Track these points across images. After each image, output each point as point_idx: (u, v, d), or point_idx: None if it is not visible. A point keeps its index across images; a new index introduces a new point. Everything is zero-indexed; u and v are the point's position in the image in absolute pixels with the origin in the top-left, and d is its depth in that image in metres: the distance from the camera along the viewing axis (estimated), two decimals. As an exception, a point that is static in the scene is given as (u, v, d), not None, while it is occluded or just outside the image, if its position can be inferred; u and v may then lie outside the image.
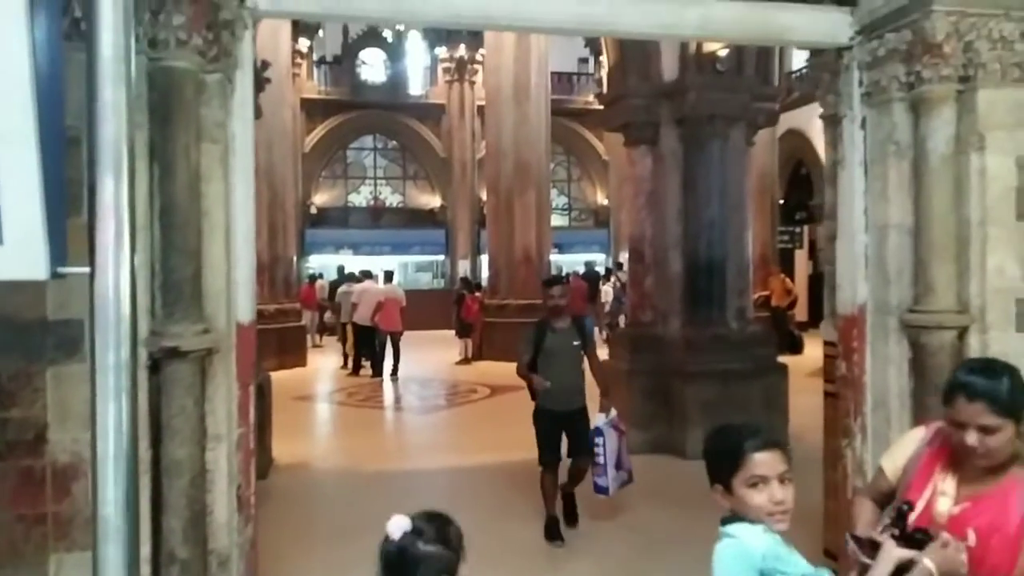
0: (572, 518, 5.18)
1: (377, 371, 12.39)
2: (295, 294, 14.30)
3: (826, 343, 3.83)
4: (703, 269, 7.08)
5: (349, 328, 12.89)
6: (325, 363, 13.98)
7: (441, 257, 23.52)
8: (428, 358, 14.91)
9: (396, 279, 23.36)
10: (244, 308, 2.99)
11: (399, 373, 12.19)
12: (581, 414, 5.04)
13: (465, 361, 13.63)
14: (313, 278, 17.43)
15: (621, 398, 6.97)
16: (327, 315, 16.88)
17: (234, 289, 2.93)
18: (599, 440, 4.82)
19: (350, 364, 12.91)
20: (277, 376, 12.51)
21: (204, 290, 2.77)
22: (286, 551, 4.70)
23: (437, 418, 9.10)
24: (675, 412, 6.86)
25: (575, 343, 5.01)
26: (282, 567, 4.42)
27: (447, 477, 6.47)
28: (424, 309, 20.09)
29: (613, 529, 5.23)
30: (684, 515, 5.41)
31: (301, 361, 13.62)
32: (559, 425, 4.98)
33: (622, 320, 16.94)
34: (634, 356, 7.06)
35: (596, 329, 17.68)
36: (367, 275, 13.17)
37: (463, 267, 22.05)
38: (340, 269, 15.67)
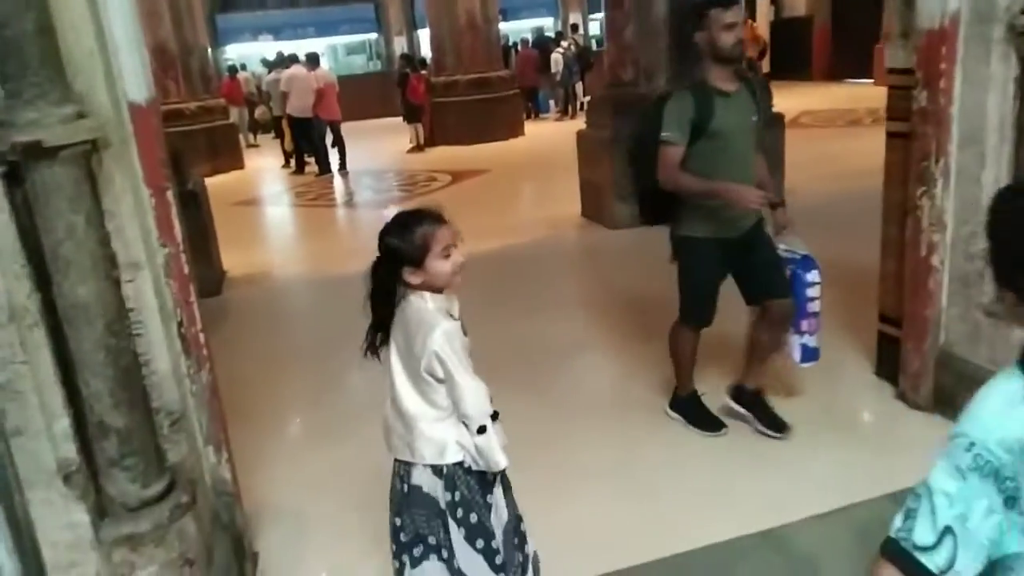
0: (778, 424, 3.04)
1: (324, 167, 11.40)
2: (216, 89, 12.74)
3: (892, 71, 3.08)
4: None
5: (284, 122, 11.62)
6: (265, 163, 12.85)
7: (374, 35, 21.34)
8: (377, 149, 13.83)
9: (326, 64, 21.41)
10: (136, 81, 2.07)
11: (348, 167, 11.22)
12: (760, 231, 2.95)
13: (417, 148, 12.61)
14: (234, 70, 15.60)
15: (604, 169, 6.30)
16: (259, 111, 15.36)
17: (114, 53, 1.99)
18: (813, 277, 2.92)
19: (292, 162, 11.82)
20: (214, 182, 11.38)
21: (65, 55, 1.84)
22: (253, 375, 4.14)
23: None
24: (665, 179, 6.21)
25: (753, 117, 2.86)
26: (251, 396, 3.86)
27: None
28: (363, 96, 18.53)
29: (613, 304, 4.79)
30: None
31: (238, 163, 12.48)
32: (728, 263, 2.92)
33: (579, 89, 15.84)
34: (617, 121, 6.24)
35: (551, 102, 16.73)
36: (294, 59, 11.63)
37: (400, 44, 20.09)
38: (280, 56, 13.51)
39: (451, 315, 1.77)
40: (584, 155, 6.74)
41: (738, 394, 3.12)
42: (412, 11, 19.92)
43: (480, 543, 1.78)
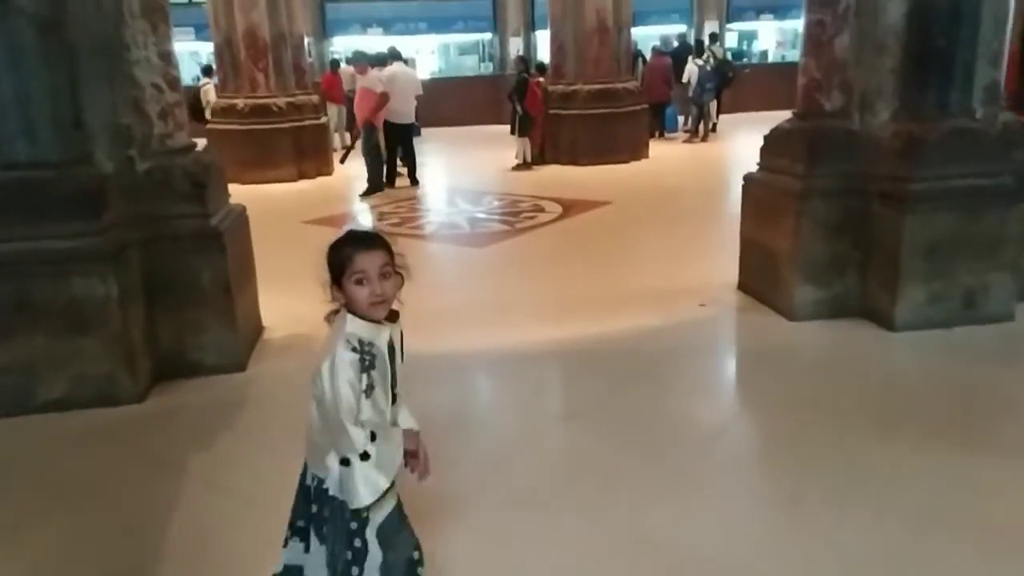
0: None
1: (415, 179, 10.02)
2: (311, 84, 11.52)
3: None
4: (941, 14, 4.17)
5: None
6: (357, 170, 11.50)
7: (488, 35, 19.94)
8: (477, 163, 12.32)
9: (436, 64, 20.20)
10: None
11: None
12: None
13: (524, 166, 11.00)
14: (336, 64, 14.47)
15: (787, 233, 4.48)
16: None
17: None
18: None
19: (384, 172, 10.42)
20: (294, 189, 10.22)
21: None
22: (274, 507, 2.58)
23: (496, 254, 6.64)
24: (878, 256, 4.32)
25: None
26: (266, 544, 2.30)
27: (523, 364, 4.19)
28: (470, 100, 17.17)
29: (826, 475, 2.91)
30: (896, 438, 3.09)
31: (325, 168, 11.24)
32: None
33: (713, 109, 13.84)
34: (812, 167, 4.40)
35: (680, 119, 14.79)
36: (396, 56, 10.24)
37: (515, 46, 18.60)
38: (392, 51, 11.75)
39: (368, 343, 1.73)
40: (754, 208, 4.91)
41: None
42: (532, 10, 18.40)
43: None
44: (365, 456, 1.72)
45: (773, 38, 20.55)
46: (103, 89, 3.74)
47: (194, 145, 4.18)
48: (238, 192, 10.85)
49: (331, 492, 1.77)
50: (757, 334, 4.42)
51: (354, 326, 1.71)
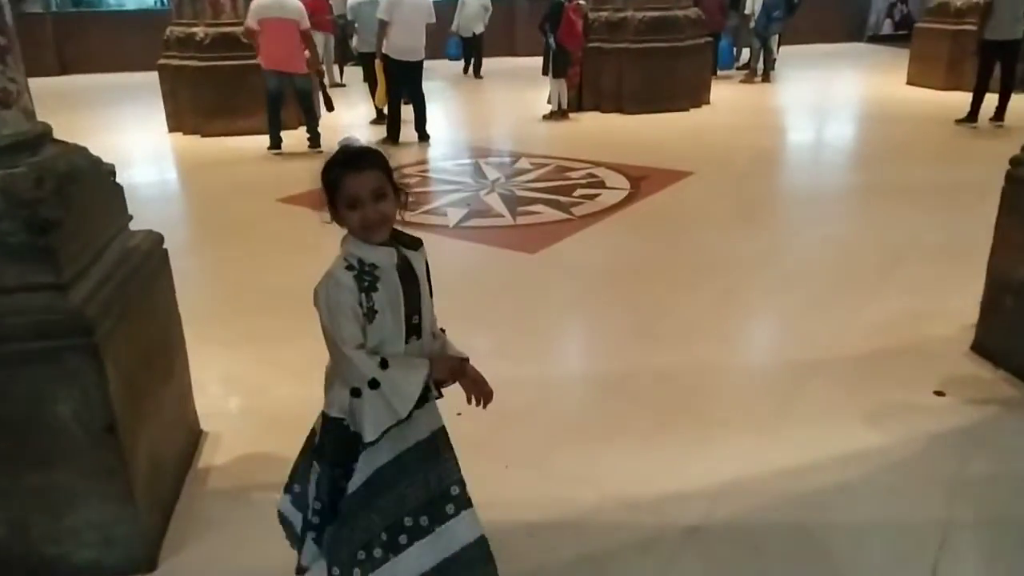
0: None
1: (424, 132, 7.89)
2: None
3: None
4: None
5: (378, 65, 8.04)
6: (350, 116, 9.32)
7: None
8: (500, 109, 10.16)
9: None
10: None
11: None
12: None
13: (560, 115, 8.83)
14: (322, -17, 12.03)
15: None
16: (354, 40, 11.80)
17: None
18: None
19: (385, 127, 8.25)
20: (269, 141, 8.10)
21: None
22: None
23: (554, 263, 4.45)
24: None
25: None
26: None
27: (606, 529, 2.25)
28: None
29: None
30: None
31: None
32: None
33: (775, 43, 11.58)
34: None
35: (734, 51, 12.51)
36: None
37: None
38: None
39: (369, 264, 1.59)
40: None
41: None
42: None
43: (297, 488, 1.81)
44: (374, 384, 1.58)
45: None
46: None
47: (43, 135, 2.12)
48: (198, 147, 8.51)
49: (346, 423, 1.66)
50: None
51: (355, 246, 1.60)
